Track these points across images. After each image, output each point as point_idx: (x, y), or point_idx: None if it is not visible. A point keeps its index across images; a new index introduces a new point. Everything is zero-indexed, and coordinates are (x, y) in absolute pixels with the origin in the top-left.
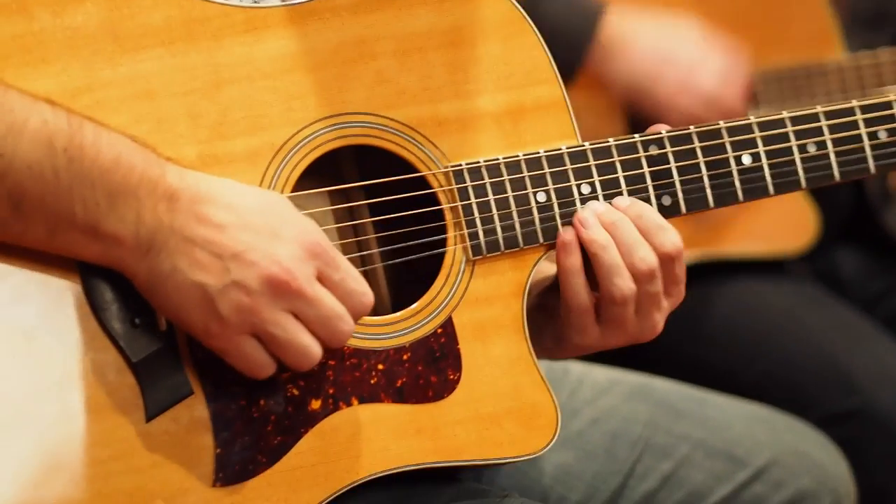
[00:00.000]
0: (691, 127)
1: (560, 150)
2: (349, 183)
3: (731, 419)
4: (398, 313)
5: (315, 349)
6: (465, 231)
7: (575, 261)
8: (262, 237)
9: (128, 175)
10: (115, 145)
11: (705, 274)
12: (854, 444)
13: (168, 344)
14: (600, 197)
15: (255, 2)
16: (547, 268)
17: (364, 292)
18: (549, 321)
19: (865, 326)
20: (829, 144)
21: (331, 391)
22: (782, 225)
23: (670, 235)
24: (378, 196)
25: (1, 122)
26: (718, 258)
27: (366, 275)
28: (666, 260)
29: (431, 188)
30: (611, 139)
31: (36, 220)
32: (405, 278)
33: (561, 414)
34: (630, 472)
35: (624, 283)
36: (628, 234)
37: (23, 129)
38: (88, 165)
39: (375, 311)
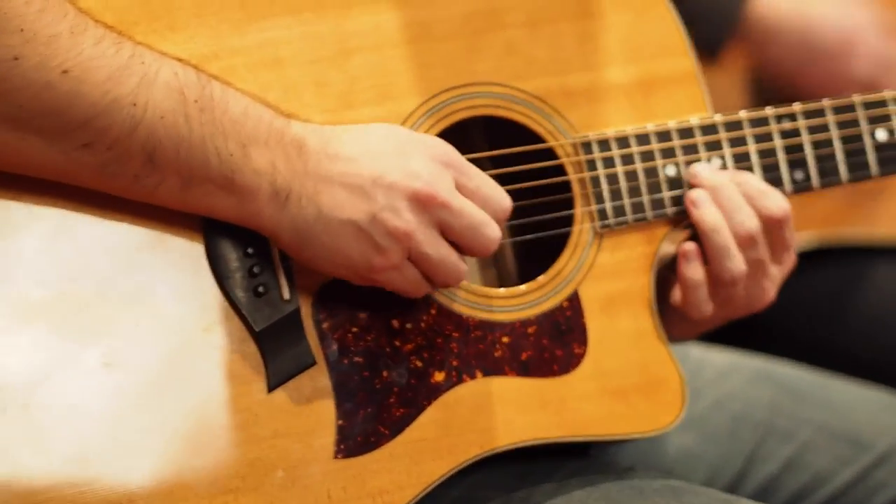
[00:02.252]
0: (824, 100)
1: (690, 122)
2: (478, 153)
3: (855, 403)
4: (523, 286)
5: (462, 266)
6: (593, 203)
7: (697, 272)
8: (394, 158)
9: (257, 125)
10: (240, 99)
11: (830, 257)
12: None
13: (291, 313)
14: None
15: None
16: (665, 246)
17: (501, 196)
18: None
19: None
20: None
21: (454, 363)
22: None
23: (776, 199)
24: (506, 167)
25: (134, 72)
26: (862, 242)
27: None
28: (772, 225)
29: (559, 160)
30: (742, 112)
31: (170, 171)
32: (532, 251)
33: (688, 390)
34: (752, 455)
35: (734, 266)
36: (729, 198)
37: (155, 79)
38: (220, 116)
39: (503, 283)
